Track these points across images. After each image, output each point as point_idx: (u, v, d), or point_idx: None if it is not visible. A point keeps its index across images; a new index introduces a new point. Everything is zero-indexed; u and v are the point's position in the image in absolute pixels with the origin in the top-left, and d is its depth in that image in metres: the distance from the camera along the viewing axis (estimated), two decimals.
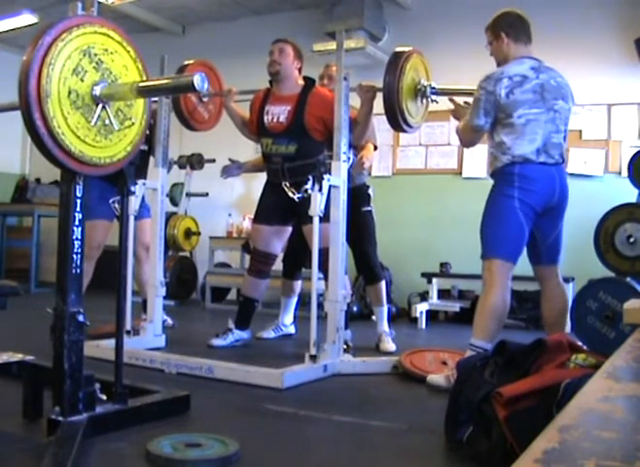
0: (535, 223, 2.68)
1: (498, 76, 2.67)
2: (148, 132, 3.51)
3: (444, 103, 3.09)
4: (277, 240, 3.61)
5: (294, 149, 3.40)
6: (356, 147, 3.57)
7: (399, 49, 3.10)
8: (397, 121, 3.04)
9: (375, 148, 3.78)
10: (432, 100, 3.20)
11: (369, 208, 3.81)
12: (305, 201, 2.94)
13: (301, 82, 3.54)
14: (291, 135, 3.40)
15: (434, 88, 3.15)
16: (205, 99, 3.77)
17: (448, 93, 3.11)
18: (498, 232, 2.64)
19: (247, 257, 4.78)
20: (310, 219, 2.91)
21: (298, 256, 3.88)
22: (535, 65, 2.73)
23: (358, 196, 3.65)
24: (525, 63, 2.71)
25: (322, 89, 3.55)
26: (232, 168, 3.98)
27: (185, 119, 3.71)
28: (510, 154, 2.64)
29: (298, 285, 3.97)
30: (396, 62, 3.00)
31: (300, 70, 3.58)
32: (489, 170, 2.78)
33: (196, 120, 3.80)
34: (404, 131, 3.21)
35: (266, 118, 3.51)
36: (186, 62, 3.70)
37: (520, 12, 2.82)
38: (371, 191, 3.86)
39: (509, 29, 2.77)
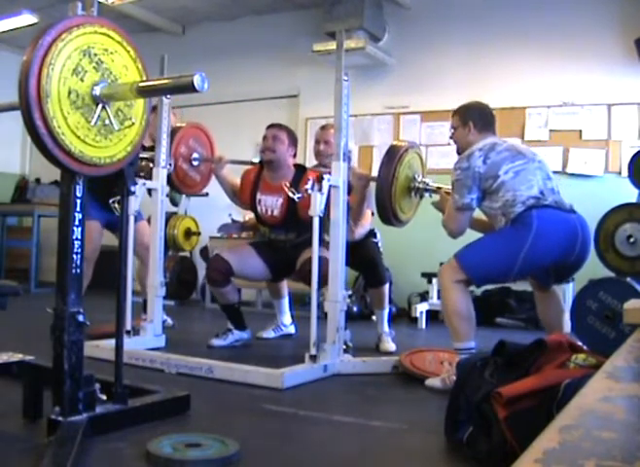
0: (551, 269, 2.69)
1: (468, 153, 2.69)
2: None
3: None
4: (247, 267, 3.51)
5: (293, 236, 3.47)
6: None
7: (395, 143, 3.12)
8: (389, 219, 3.07)
9: (372, 214, 3.67)
10: (429, 195, 3.19)
11: (375, 240, 3.80)
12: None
13: (292, 169, 3.49)
14: (287, 226, 3.44)
15: (428, 184, 3.14)
16: (196, 163, 3.77)
17: (441, 192, 3.08)
18: (487, 258, 2.62)
19: None
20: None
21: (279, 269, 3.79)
22: (499, 139, 2.77)
23: (364, 237, 3.66)
24: (489, 138, 2.74)
25: (313, 175, 3.38)
26: (232, 228, 3.98)
27: (176, 187, 3.76)
28: (519, 202, 2.57)
29: (283, 286, 3.94)
30: (390, 162, 2.98)
31: (294, 155, 3.53)
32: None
33: (188, 185, 3.84)
34: (394, 226, 3.18)
35: (259, 208, 3.52)
36: (178, 124, 3.74)
37: (488, 107, 2.87)
38: (377, 231, 3.84)
39: (477, 120, 2.79)
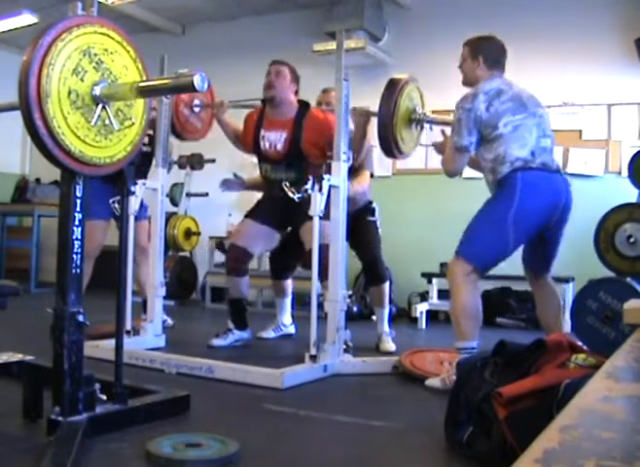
0: (537, 238, 2.68)
1: (473, 93, 2.66)
2: (151, 132, 3.54)
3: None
4: (259, 241, 3.57)
5: (294, 175, 3.43)
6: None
7: (394, 76, 3.11)
8: (391, 150, 3.07)
9: (372, 175, 3.75)
10: (429, 128, 3.21)
11: (373, 219, 3.80)
12: (305, 202, 2.94)
13: (295, 104, 3.50)
14: (290, 162, 3.42)
15: (428, 116, 3.16)
16: (197, 110, 3.77)
17: (444, 123, 3.08)
18: (483, 240, 2.63)
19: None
20: (310, 217, 2.91)
21: (286, 257, 3.81)
22: (506, 82, 2.74)
23: (362, 211, 3.68)
24: (496, 80, 2.72)
25: (317, 113, 3.52)
26: (234, 184, 3.97)
27: (177, 131, 3.74)
28: (508, 161, 2.60)
29: (288, 285, 3.94)
30: (390, 94, 2.99)
31: (296, 93, 3.54)
32: (491, 185, 2.73)
33: (189, 131, 3.83)
34: (396, 158, 3.27)
35: (262, 143, 3.50)
36: (180, 71, 3.72)
37: (500, 42, 2.83)
38: (375, 206, 3.85)
39: (488, 55, 2.77)
